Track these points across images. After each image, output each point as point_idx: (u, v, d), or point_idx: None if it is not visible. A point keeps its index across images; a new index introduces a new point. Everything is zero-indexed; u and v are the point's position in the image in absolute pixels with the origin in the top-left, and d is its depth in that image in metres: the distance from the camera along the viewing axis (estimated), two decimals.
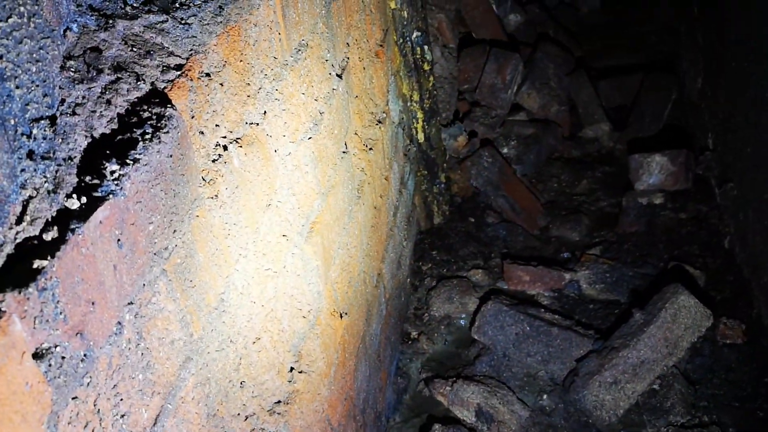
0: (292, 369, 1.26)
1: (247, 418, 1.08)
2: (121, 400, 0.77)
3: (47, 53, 0.75)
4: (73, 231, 0.69)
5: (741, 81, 2.14)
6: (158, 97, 0.92)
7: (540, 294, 2.30)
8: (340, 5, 1.70)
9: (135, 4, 0.99)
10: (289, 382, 1.24)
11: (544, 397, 1.94)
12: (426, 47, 2.47)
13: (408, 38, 2.41)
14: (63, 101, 0.78)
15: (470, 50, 3.33)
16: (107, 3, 0.94)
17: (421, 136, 2.54)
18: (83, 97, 0.82)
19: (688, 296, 1.80)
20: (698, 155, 2.59)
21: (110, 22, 0.92)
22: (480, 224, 2.67)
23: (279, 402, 1.19)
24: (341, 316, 1.53)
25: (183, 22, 1.02)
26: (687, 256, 2.27)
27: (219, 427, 0.99)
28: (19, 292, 0.61)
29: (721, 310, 2.03)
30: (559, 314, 2.12)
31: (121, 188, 0.77)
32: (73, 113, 0.80)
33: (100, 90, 0.85)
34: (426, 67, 2.50)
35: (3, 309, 0.59)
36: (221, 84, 1.06)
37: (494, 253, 2.53)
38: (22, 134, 0.70)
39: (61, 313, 0.66)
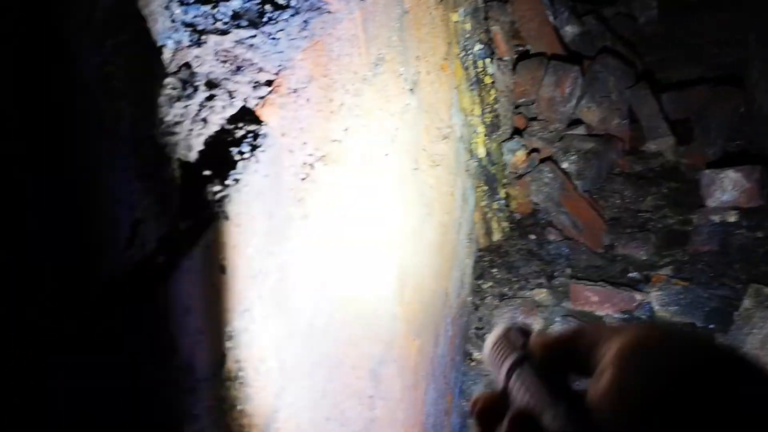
0: (371, 396, 1.21)
1: None
2: None
3: (151, 71, 0.73)
4: (181, 255, 0.66)
5: None
6: (251, 115, 0.89)
7: (609, 316, 2.21)
8: (411, 18, 1.66)
9: (225, 20, 0.96)
10: (370, 409, 1.20)
11: None
12: (488, 60, 2.42)
13: (470, 51, 2.37)
14: (162, 120, 0.75)
15: (527, 63, 3.26)
16: (199, 18, 0.91)
17: (481, 151, 2.48)
18: (181, 116, 0.79)
19: None
20: None
21: (202, 37, 0.89)
22: (541, 242, 2.60)
23: None
24: (414, 339, 1.48)
25: (271, 37, 0.99)
26: (765, 277, 2.17)
27: None
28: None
29: None
30: None
31: (224, 210, 0.73)
32: (173, 132, 0.77)
33: (196, 108, 0.82)
34: (487, 80, 2.45)
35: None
36: (307, 100, 1.03)
37: (557, 271, 2.46)
38: (129, 154, 0.66)
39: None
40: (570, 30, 3.64)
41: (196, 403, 0.67)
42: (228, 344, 0.74)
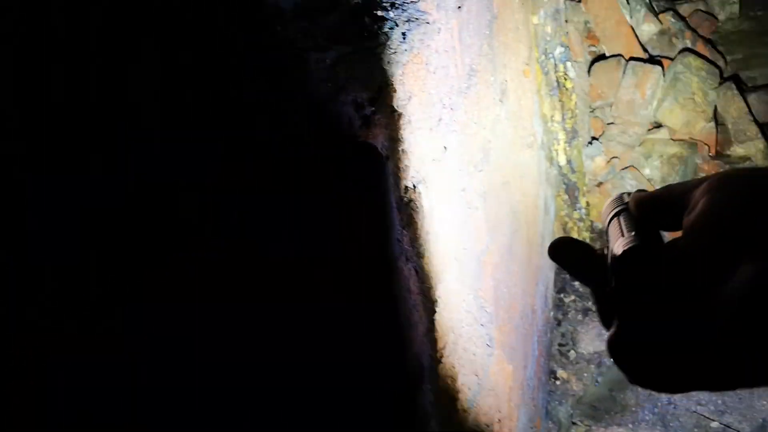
0: (473, 430, 1.13)
1: None
2: None
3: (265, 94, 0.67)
4: None
5: None
6: (356, 136, 0.83)
7: None
8: (500, 24, 1.58)
9: (324, 36, 0.90)
10: None
11: None
12: (569, 64, 2.31)
13: (551, 55, 2.26)
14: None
15: (603, 64, 3.13)
16: (299, 35, 0.86)
17: (562, 159, 2.37)
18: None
19: None
20: None
21: (303, 56, 0.84)
22: None
23: None
24: (508, 365, 1.40)
25: (371, 52, 0.93)
26: None
27: None
28: None
29: None
30: None
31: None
32: None
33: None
34: (568, 84, 2.34)
35: None
36: (409, 119, 0.96)
37: None
38: None
39: None
40: (647, 29, 3.48)
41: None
42: None
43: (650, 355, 0.37)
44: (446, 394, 1.07)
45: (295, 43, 0.83)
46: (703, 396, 1.81)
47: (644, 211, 0.46)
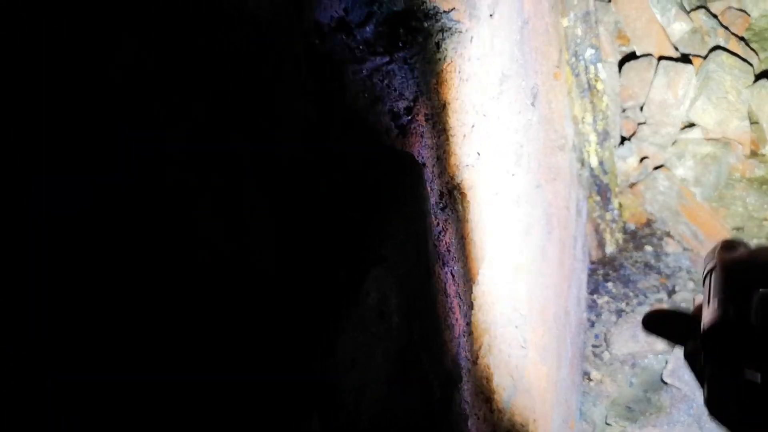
0: (508, 430, 1.16)
1: None
2: None
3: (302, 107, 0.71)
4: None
5: None
6: (393, 145, 0.86)
7: None
8: (530, 29, 1.59)
9: (361, 47, 0.93)
10: None
11: None
12: (600, 65, 2.32)
13: (581, 56, 2.27)
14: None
15: (634, 64, 3.11)
16: (337, 47, 0.89)
17: (593, 160, 2.38)
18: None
19: None
20: None
21: (340, 68, 0.87)
22: (658, 254, 2.46)
23: None
24: (542, 365, 1.42)
25: (406, 62, 0.96)
26: None
27: None
28: None
29: None
30: None
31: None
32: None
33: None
34: (599, 86, 2.34)
35: None
36: (443, 127, 0.99)
37: (678, 285, 2.31)
38: None
39: None
40: (678, 27, 3.46)
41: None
42: None
43: (744, 413, 0.39)
44: (482, 394, 1.09)
45: (333, 55, 0.87)
46: None
47: (734, 273, 0.45)
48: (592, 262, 2.50)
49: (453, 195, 0.98)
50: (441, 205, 0.94)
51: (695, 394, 1.88)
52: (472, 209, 1.06)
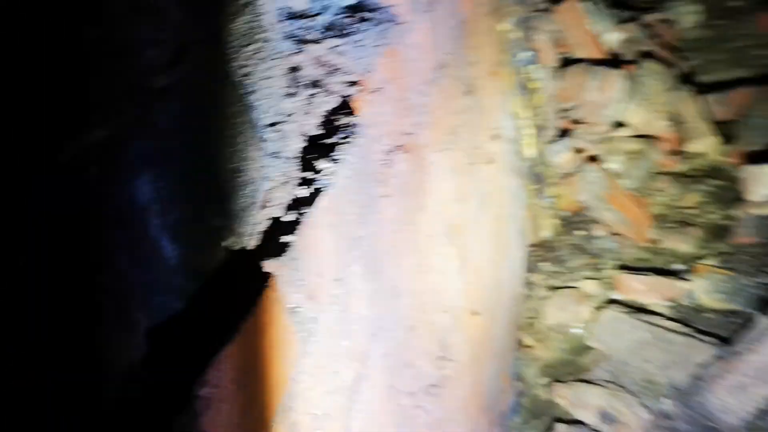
0: (442, 357, 1.37)
1: (411, 394, 1.21)
2: (332, 361, 0.90)
3: (277, 70, 0.92)
4: (304, 214, 0.84)
5: None
6: (346, 109, 1.07)
7: (655, 303, 2.33)
8: (467, 28, 1.83)
9: (318, 31, 1.15)
10: (439, 368, 1.36)
11: (666, 402, 1.97)
12: (535, 66, 2.57)
13: (519, 58, 2.52)
14: (279, 111, 0.94)
15: (571, 69, 3.39)
16: (300, 30, 1.10)
17: (530, 152, 2.63)
18: (292, 107, 0.97)
19: None
20: None
21: (302, 46, 1.08)
22: (588, 237, 2.73)
23: (433, 385, 1.31)
24: (475, 315, 1.64)
25: (357, 44, 1.18)
26: None
27: (394, 399, 1.12)
28: (278, 260, 0.76)
29: None
30: (678, 322, 2.15)
31: (334, 182, 0.91)
32: (288, 121, 0.95)
33: (302, 103, 1.01)
34: (535, 85, 2.60)
35: (271, 272, 0.74)
36: (387, 98, 1.21)
37: (605, 264, 2.58)
38: (262, 138, 0.85)
39: (301, 279, 0.80)
40: (612, 37, 3.76)
41: (315, 333, 0.84)
42: (336, 290, 0.91)
43: None
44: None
45: (295, 35, 1.08)
46: (651, 354, 2.06)
47: None
48: (530, 246, 2.75)
49: (393, 155, 1.20)
50: (384, 162, 1.16)
51: (613, 354, 2.13)
52: (412, 169, 1.28)
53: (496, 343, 1.92)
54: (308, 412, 0.82)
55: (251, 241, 0.77)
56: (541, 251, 2.72)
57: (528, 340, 2.34)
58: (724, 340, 2.05)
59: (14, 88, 0.50)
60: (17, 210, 0.50)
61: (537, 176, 2.68)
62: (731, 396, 1.83)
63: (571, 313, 2.36)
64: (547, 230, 2.79)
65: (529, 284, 2.58)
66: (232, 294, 0.70)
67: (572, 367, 2.23)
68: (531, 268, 2.64)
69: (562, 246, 2.71)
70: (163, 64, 0.66)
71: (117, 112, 0.60)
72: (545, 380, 2.19)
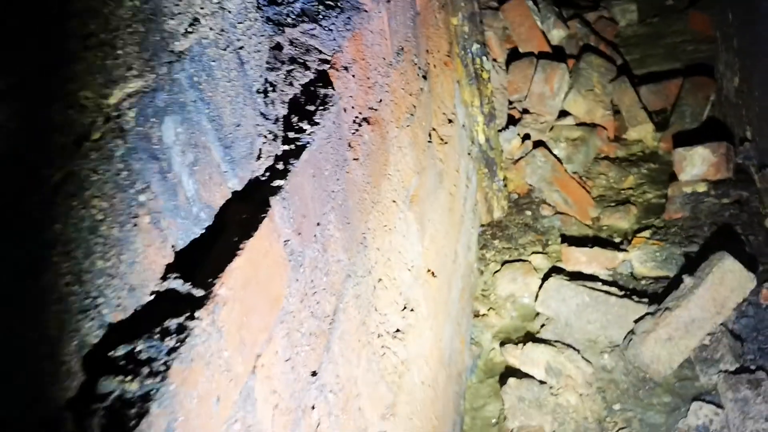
0: (404, 308, 1.55)
1: (379, 336, 1.37)
2: (315, 292, 1.06)
3: (263, 46, 1.07)
4: (291, 165, 1.00)
5: None
6: (320, 82, 1.23)
7: (596, 273, 2.55)
8: (422, 19, 2.01)
9: (293, 16, 1.31)
10: (403, 318, 1.53)
11: (605, 357, 2.19)
12: (485, 58, 2.77)
13: (469, 50, 2.72)
14: (266, 80, 1.10)
15: (518, 63, 3.62)
16: (277, 16, 1.26)
17: (481, 138, 2.83)
18: (275, 79, 1.13)
19: (733, 261, 2.05)
20: (737, 146, 2.83)
21: (281, 29, 1.24)
22: (536, 217, 2.94)
23: (398, 330, 1.48)
24: (433, 274, 1.82)
25: (326, 29, 1.34)
26: (730, 235, 2.51)
27: (364, 337, 1.28)
28: (273, 198, 0.92)
29: (763, 278, 2.26)
30: (616, 286, 2.38)
31: (314, 140, 1.07)
32: (273, 90, 1.11)
33: (283, 75, 1.17)
34: (485, 75, 2.80)
35: (269, 206, 0.90)
36: (353, 75, 1.37)
37: (551, 240, 2.80)
38: (255, 101, 1.01)
39: (291, 217, 0.96)
40: (556, 33, 4.02)
41: (302, 264, 1.00)
42: (317, 232, 1.08)
43: None
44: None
45: (274, 20, 1.24)
46: (592, 316, 2.27)
47: None
48: (482, 225, 2.95)
49: (361, 125, 1.37)
50: (353, 129, 1.32)
51: (559, 318, 2.34)
52: (376, 139, 1.44)
53: (452, 307, 2.10)
54: (297, 329, 0.98)
55: (252, 183, 0.92)
56: (493, 230, 2.92)
57: (483, 310, 2.53)
58: (656, 301, 2.28)
59: (81, 43, 0.65)
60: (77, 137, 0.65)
61: (488, 161, 2.88)
62: (661, 348, 2.05)
63: (521, 285, 2.57)
64: (498, 211, 2.99)
65: (483, 260, 2.78)
66: (238, 222, 0.85)
67: (522, 332, 2.43)
68: (485, 246, 2.83)
69: (513, 225, 2.91)
70: (180, 32, 0.81)
71: (149, 68, 0.75)
72: (498, 344, 2.38)
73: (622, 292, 2.33)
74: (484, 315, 2.51)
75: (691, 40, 4.01)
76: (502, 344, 2.35)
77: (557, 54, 3.75)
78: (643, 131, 3.43)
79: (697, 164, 2.77)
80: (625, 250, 2.59)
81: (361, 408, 1.25)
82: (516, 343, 2.32)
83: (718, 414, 1.92)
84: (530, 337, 2.36)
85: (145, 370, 0.66)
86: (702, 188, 2.74)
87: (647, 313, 2.17)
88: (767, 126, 2.50)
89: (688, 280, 2.11)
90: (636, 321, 2.18)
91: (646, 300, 2.28)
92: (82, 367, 0.64)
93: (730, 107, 3.05)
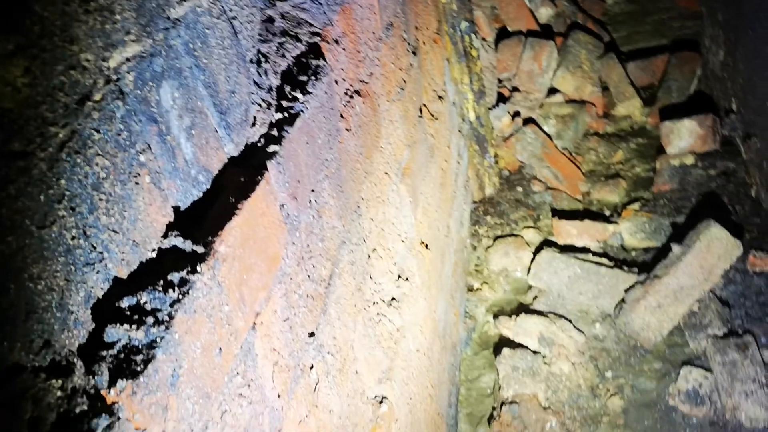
0: (399, 277, 1.58)
1: (375, 303, 1.41)
2: (312, 256, 1.09)
3: (255, 17, 1.09)
4: (285, 131, 1.03)
5: (757, 46, 2.42)
6: (312, 53, 1.25)
7: (587, 245, 2.59)
8: None
9: None
10: (398, 287, 1.57)
11: (597, 326, 2.23)
12: (473, 35, 2.80)
13: (457, 28, 2.74)
14: (259, 51, 1.12)
15: (507, 42, 3.64)
16: None
17: (472, 115, 2.85)
18: (268, 50, 1.16)
19: (720, 228, 2.09)
20: (724, 118, 2.87)
21: (272, 2, 1.26)
22: (527, 192, 2.98)
23: (393, 299, 1.52)
24: (426, 247, 1.85)
25: (317, 2, 1.36)
26: (718, 205, 2.55)
27: (359, 303, 1.32)
28: (269, 162, 0.94)
29: (749, 246, 2.30)
30: (607, 258, 2.42)
31: (307, 108, 1.10)
32: (266, 60, 1.13)
33: (276, 47, 1.19)
34: (474, 53, 2.82)
35: (265, 169, 0.92)
36: (344, 49, 1.40)
37: (542, 215, 2.83)
38: (248, 70, 1.03)
39: (286, 182, 0.99)
40: (544, 12, 4.03)
41: (298, 228, 1.03)
42: (312, 199, 1.10)
43: None
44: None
45: None
46: (583, 287, 2.31)
47: None
48: (474, 202, 2.98)
49: (352, 97, 1.39)
50: (345, 101, 1.35)
51: (551, 290, 2.38)
52: (367, 111, 1.47)
53: (445, 280, 2.14)
54: (295, 291, 1.01)
55: (247, 149, 0.95)
56: (485, 206, 2.96)
57: (476, 284, 2.57)
58: (646, 270, 2.32)
59: (82, 6, 0.67)
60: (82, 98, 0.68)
61: (479, 138, 2.90)
62: (651, 315, 2.09)
63: (513, 259, 2.61)
64: (490, 188, 3.03)
65: (476, 236, 2.81)
66: (235, 184, 0.88)
67: (515, 304, 2.47)
68: (477, 222, 2.87)
69: (504, 201, 2.95)
70: (176, 0, 0.84)
71: (146, 34, 0.78)
72: (491, 317, 2.42)
73: (613, 263, 2.37)
74: (477, 289, 2.55)
75: (678, 17, 4.03)
76: (495, 317, 2.39)
77: (545, 32, 3.77)
78: (631, 107, 3.46)
79: (684, 137, 2.80)
80: (615, 223, 2.63)
81: (358, 371, 1.29)
82: (509, 315, 2.36)
83: (708, 377, 1.97)
84: (523, 309, 2.40)
85: (150, 320, 0.69)
86: (689, 160, 2.78)
87: (637, 282, 2.21)
88: (752, 98, 2.53)
89: (676, 248, 2.15)
90: (626, 290, 2.22)
91: (636, 270, 2.32)
92: (90, 317, 0.67)
93: (716, 81, 3.08)
